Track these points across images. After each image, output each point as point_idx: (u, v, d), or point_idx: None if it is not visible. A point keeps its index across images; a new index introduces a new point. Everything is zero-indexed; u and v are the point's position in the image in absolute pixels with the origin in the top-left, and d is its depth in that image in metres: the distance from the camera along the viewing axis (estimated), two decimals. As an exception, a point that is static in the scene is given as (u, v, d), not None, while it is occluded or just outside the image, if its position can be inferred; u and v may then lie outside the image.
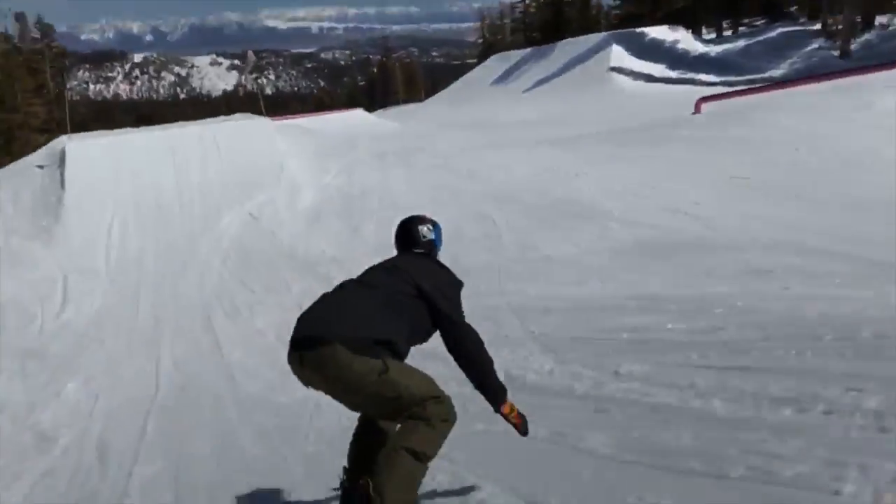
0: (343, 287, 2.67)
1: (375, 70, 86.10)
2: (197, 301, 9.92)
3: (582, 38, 42.12)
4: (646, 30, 39.45)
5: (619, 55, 37.11)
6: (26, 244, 12.15)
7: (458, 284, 2.74)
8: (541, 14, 54.06)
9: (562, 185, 12.87)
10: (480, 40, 65.73)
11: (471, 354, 2.55)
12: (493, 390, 2.58)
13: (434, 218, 3.06)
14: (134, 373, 7.60)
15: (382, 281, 2.62)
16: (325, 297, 2.64)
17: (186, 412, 6.35)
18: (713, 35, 42.66)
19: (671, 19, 40.80)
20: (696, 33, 41.27)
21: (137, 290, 10.57)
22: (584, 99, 31.03)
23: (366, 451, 2.64)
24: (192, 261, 11.56)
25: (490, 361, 2.60)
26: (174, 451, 5.37)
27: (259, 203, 13.66)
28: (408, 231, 2.93)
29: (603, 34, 41.71)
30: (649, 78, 34.23)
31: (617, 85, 34.18)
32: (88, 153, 14.04)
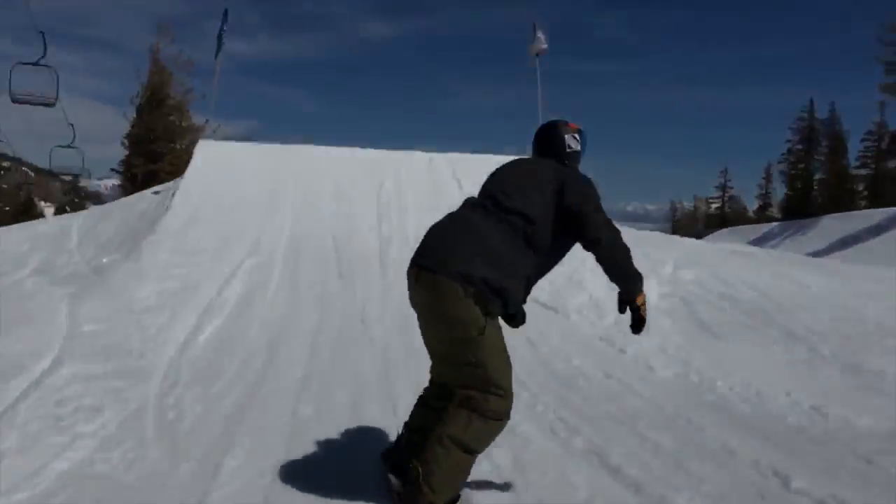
0: (476, 208, 2.38)
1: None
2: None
3: (854, 213, 34.97)
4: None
5: (915, 233, 29.48)
6: (49, 289, 5.72)
7: (598, 196, 2.44)
8: (788, 190, 47.98)
9: None
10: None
11: (619, 254, 2.29)
12: (634, 280, 2.32)
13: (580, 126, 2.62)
14: None
15: (519, 207, 2.30)
16: (455, 218, 2.38)
17: None
18: None
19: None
20: None
21: (243, 406, 3.52)
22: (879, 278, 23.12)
23: (426, 422, 2.38)
24: (403, 365, 4.48)
25: (629, 249, 2.33)
26: None
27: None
28: (551, 139, 2.56)
29: (890, 209, 34.09)
30: (963, 266, 25.62)
31: (923, 268, 25.81)
32: (227, 158, 7.98)
